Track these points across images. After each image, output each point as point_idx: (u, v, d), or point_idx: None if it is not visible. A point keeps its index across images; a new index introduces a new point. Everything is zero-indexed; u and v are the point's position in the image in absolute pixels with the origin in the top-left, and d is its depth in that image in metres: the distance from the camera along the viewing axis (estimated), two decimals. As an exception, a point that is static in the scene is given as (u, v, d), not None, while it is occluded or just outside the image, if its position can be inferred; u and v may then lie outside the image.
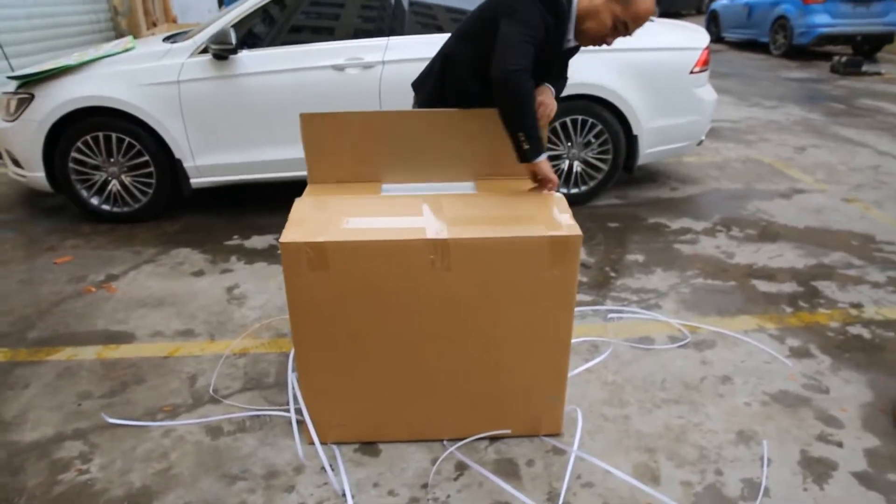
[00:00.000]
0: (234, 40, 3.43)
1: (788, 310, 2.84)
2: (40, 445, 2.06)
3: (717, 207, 4.07)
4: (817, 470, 1.93)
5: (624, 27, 1.97)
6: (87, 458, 2.00)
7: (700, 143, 4.24)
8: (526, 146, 1.92)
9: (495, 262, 1.76)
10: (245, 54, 3.55)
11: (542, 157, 1.96)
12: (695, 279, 3.12)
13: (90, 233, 3.69)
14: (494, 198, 2.01)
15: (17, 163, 3.72)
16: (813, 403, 2.23)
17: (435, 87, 2.23)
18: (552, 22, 1.97)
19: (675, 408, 2.21)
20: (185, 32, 4.04)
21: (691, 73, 3.91)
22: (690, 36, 4.07)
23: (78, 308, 2.89)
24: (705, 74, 4.03)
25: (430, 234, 1.73)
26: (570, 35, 2.06)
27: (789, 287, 3.04)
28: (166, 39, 4.01)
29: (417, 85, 2.35)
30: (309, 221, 1.81)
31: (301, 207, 1.89)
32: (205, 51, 3.52)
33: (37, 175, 3.65)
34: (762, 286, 3.05)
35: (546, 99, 2.15)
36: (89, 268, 3.27)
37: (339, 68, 3.58)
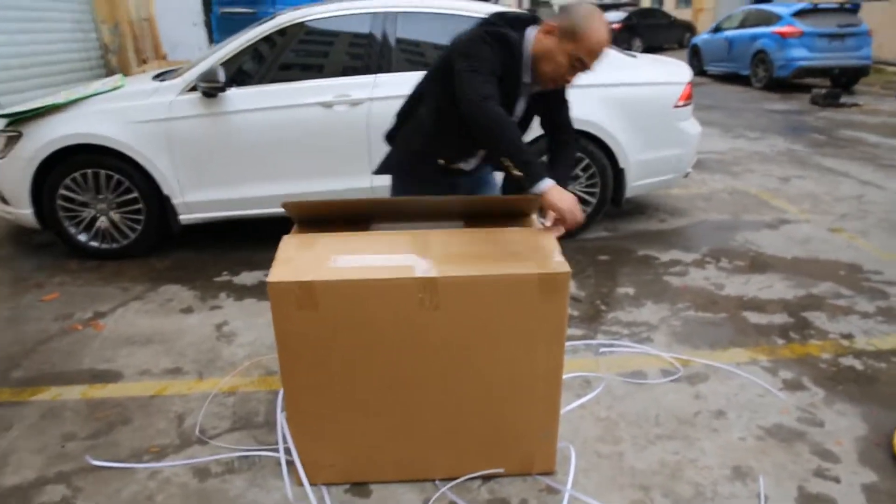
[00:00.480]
0: (222, 78, 3.46)
1: (780, 341, 2.85)
2: (21, 490, 2.00)
3: (705, 239, 4.10)
4: (814, 506, 1.91)
5: (581, 63, 1.91)
6: (69, 502, 1.95)
7: (687, 175, 4.30)
8: (517, 173, 1.80)
9: (484, 299, 1.76)
10: (234, 92, 3.58)
11: (546, 185, 1.78)
12: (685, 311, 3.12)
13: (77, 269, 3.66)
14: (482, 234, 1.98)
15: (4, 200, 3.70)
16: (808, 437, 2.21)
17: (409, 129, 2.19)
18: (507, 57, 1.91)
19: (669, 443, 2.19)
20: (174, 70, 4.07)
21: (675, 106, 3.98)
22: (673, 71, 4.16)
23: (64, 346, 2.85)
24: (689, 108, 4.11)
25: (419, 273, 1.73)
26: (527, 77, 1.99)
27: (780, 318, 3.05)
28: (156, 77, 4.04)
29: (401, 117, 2.26)
30: (296, 260, 1.80)
31: (288, 245, 1.88)
32: (194, 88, 3.55)
33: (24, 212, 3.63)
34: (753, 318, 3.06)
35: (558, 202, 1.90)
36: (76, 305, 3.23)
37: (328, 105, 3.62)
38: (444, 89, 1.98)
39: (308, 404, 1.88)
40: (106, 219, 3.68)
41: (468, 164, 2.21)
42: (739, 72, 11.85)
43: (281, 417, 2.13)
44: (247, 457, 2.12)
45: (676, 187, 5.00)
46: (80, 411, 2.38)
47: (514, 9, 2.36)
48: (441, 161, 2.18)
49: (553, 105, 2.15)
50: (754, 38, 11.28)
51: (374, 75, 3.71)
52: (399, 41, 3.79)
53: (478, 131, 1.83)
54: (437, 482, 1.99)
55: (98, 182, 3.60)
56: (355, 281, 1.72)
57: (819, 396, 2.44)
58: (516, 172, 1.80)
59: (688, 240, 4.09)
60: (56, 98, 3.69)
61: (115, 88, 3.73)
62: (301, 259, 1.80)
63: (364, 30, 3.77)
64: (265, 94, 3.63)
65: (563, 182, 1.94)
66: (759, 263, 3.70)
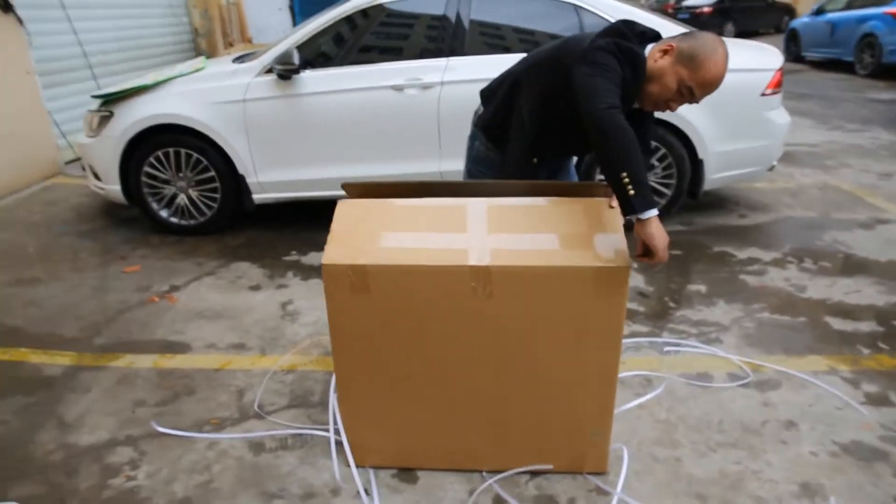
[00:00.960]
0: (297, 60, 3.53)
1: (866, 351, 2.63)
2: (95, 449, 2.14)
3: (788, 237, 3.84)
4: (892, 533, 1.76)
5: (689, 93, 1.80)
6: (135, 464, 2.06)
7: (772, 168, 4.03)
8: (632, 191, 1.63)
9: (538, 290, 1.71)
10: (308, 74, 3.65)
11: (652, 213, 1.66)
12: (760, 313, 2.94)
13: (159, 244, 3.86)
14: (544, 209, 1.82)
15: (97, 176, 3.95)
16: (891, 458, 2.04)
17: (499, 106, 2.12)
18: (630, 73, 1.80)
19: (731, 452, 2.07)
20: (253, 53, 4.20)
21: (763, 94, 3.73)
22: (763, 56, 3.89)
23: (141, 317, 3.02)
24: (778, 97, 3.84)
25: (472, 260, 1.69)
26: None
27: (867, 326, 2.82)
28: (236, 60, 4.18)
29: (485, 97, 2.22)
30: (351, 236, 1.77)
31: (344, 214, 1.83)
32: (270, 71, 3.64)
33: (114, 188, 3.86)
34: (836, 324, 2.84)
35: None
36: (154, 278, 3.41)
37: (398, 88, 3.62)
38: (551, 89, 1.91)
39: (358, 387, 1.90)
40: (185, 196, 3.86)
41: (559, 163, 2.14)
42: (842, 58, 10.99)
43: (333, 399, 2.16)
44: (300, 435, 2.17)
45: (761, 181, 4.72)
46: (151, 379, 2.52)
47: (642, 14, 2.14)
48: (535, 160, 2.09)
49: (642, 122, 2.01)
50: (862, 20, 10.40)
51: (446, 58, 3.68)
52: (473, 23, 3.73)
53: (600, 140, 1.67)
54: (484, 474, 1.97)
55: (179, 160, 3.77)
56: (407, 266, 1.71)
57: (907, 414, 2.24)
58: (631, 190, 1.63)
59: (769, 237, 3.84)
60: (144, 79, 3.88)
61: (197, 70, 3.89)
62: (355, 234, 1.77)
63: (438, 11, 3.74)
64: (338, 76, 3.68)
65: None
66: (847, 266, 3.43)
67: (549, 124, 2.00)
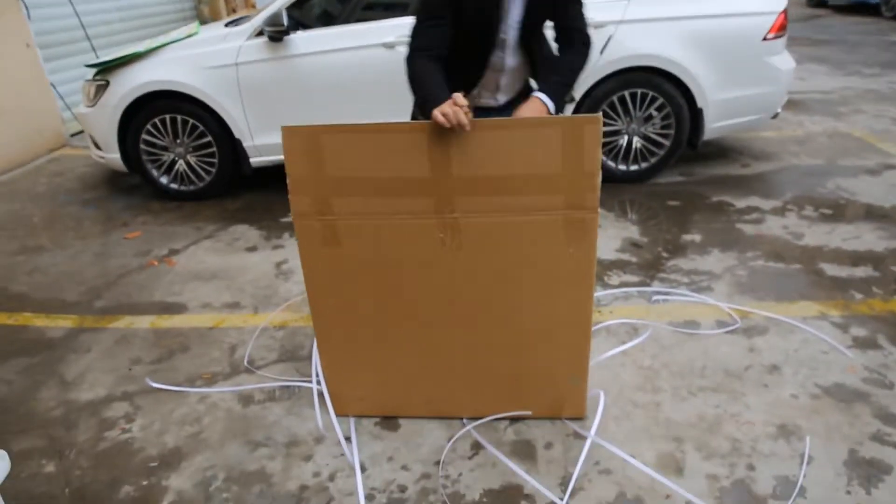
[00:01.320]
0: (286, 22, 3.50)
1: (858, 296, 2.60)
2: (93, 404, 2.22)
3: (791, 185, 3.77)
4: (866, 472, 1.77)
5: None
6: (130, 418, 2.14)
7: (775, 116, 3.92)
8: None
9: (507, 241, 1.71)
10: (298, 35, 3.62)
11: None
12: (754, 261, 2.91)
13: (159, 210, 3.92)
14: (512, 143, 1.64)
15: (97, 145, 4.00)
16: (872, 399, 2.03)
17: None
18: None
19: (711, 396, 2.08)
20: (246, 17, 4.17)
21: (765, 39, 3.61)
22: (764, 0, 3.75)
23: (140, 280, 3.09)
24: (781, 41, 3.72)
25: (440, 211, 1.69)
26: None
27: (863, 271, 2.78)
28: (228, 24, 4.16)
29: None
30: (314, 180, 1.70)
31: (294, 151, 1.69)
32: (261, 33, 3.62)
33: (113, 156, 3.91)
34: (831, 270, 2.81)
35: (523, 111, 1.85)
36: (154, 243, 3.48)
37: (390, 46, 3.58)
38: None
39: (336, 339, 1.94)
40: (183, 162, 3.90)
41: (496, 101, 2.10)
42: (868, 0, 10.56)
43: (315, 351, 2.21)
44: (287, 387, 2.23)
45: (767, 129, 4.60)
46: (148, 339, 2.60)
47: None
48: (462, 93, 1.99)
49: (559, 3, 1.90)
50: (887, -41, 9.96)
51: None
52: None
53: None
54: (464, 420, 2.02)
55: (176, 127, 3.79)
56: (376, 222, 1.72)
57: (894, 357, 2.22)
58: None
59: (770, 186, 3.77)
60: (137, 47, 3.89)
61: (190, 36, 3.89)
62: (318, 175, 1.69)
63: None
64: (328, 36, 3.65)
65: (552, 94, 1.85)
66: (849, 212, 3.36)
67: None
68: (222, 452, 1.96)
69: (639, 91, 3.66)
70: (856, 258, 2.90)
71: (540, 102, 1.83)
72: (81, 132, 5.46)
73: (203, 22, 8.16)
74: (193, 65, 3.68)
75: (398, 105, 3.65)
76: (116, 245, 3.49)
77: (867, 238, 3.07)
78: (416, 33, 1.87)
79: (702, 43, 3.57)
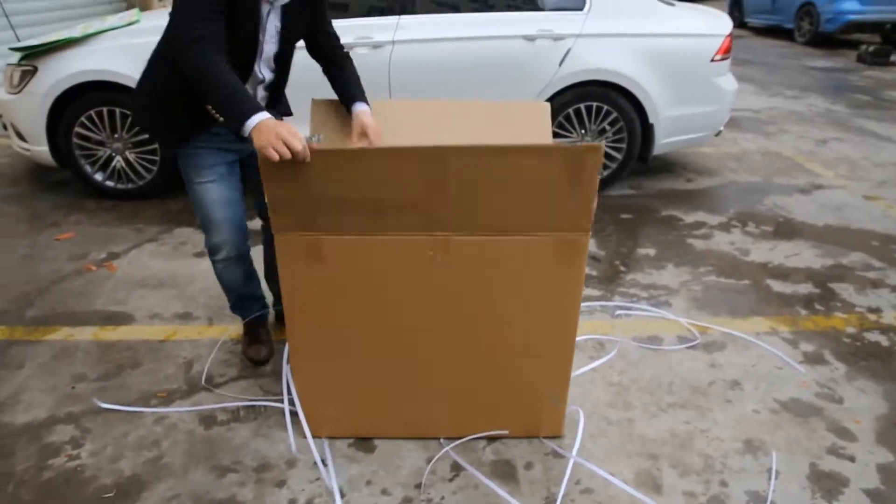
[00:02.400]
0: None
1: (803, 312, 2.75)
2: (32, 428, 2.03)
3: (733, 201, 3.95)
4: (827, 485, 1.86)
5: None
6: (77, 443, 1.97)
7: (718, 133, 4.12)
8: (220, 119, 1.75)
9: (498, 259, 1.69)
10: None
11: (251, 123, 1.57)
12: (707, 276, 3.03)
13: (94, 209, 3.65)
14: (511, 170, 1.59)
15: (21, 136, 3.68)
16: (825, 413, 2.15)
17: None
18: None
19: (681, 413, 2.14)
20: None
21: (712, 60, 3.77)
22: (712, 22, 3.92)
23: (77, 286, 2.86)
24: (727, 63, 3.90)
25: (431, 228, 1.64)
26: None
27: (805, 288, 2.95)
28: (174, 13, 3.92)
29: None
30: (296, 198, 1.62)
31: (274, 174, 1.60)
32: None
33: (40, 149, 3.61)
34: (777, 286, 2.96)
35: (367, 120, 2.02)
36: (91, 245, 3.23)
37: (348, 48, 3.47)
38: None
39: (314, 356, 1.85)
40: (121, 158, 3.65)
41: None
42: (783, 25, 11.28)
43: (286, 368, 2.11)
44: (252, 406, 2.11)
45: (706, 146, 4.81)
46: (91, 352, 2.40)
47: None
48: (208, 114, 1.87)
49: (313, 13, 1.98)
50: (801, -12, 10.68)
51: (397, 17, 3.56)
52: (425, -19, 3.61)
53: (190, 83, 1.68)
54: (441, 440, 1.98)
55: (114, 121, 3.54)
56: (364, 238, 1.66)
57: (840, 371, 2.36)
58: (219, 118, 1.75)
59: (714, 201, 3.94)
60: (72, 32, 3.60)
61: (130, 24, 3.63)
62: (302, 195, 1.61)
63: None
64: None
65: (365, 99, 2.07)
66: (787, 230, 3.56)
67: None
68: (187, 480, 1.83)
69: (594, 104, 3.73)
70: (798, 275, 3.06)
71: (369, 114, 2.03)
72: (-3, 119, 5.02)
73: (131, 7, 7.70)
74: (136, 55, 3.42)
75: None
76: (46, 247, 3.22)
77: (806, 255, 3.26)
78: (193, 23, 1.63)
79: (655, 61, 3.68)
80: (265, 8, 1.82)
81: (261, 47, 1.89)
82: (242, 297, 2.33)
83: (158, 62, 1.91)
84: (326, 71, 2.15)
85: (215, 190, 2.03)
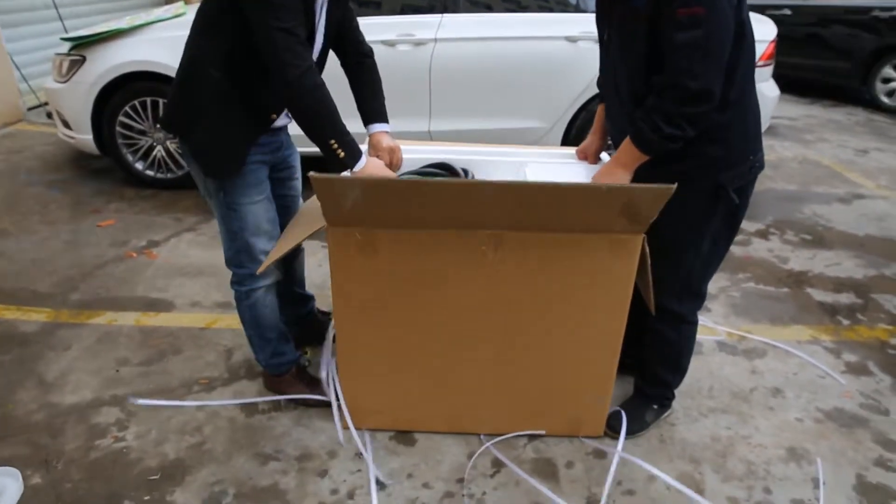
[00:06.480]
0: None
1: (846, 322, 2.70)
2: (79, 409, 2.07)
3: (771, 209, 3.90)
4: (875, 497, 1.82)
5: None
6: (123, 425, 2.00)
7: (757, 140, 4.05)
8: (341, 153, 1.63)
9: (550, 256, 1.68)
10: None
11: (362, 162, 1.66)
12: (746, 283, 2.99)
13: (134, 197, 3.71)
14: (571, 204, 1.61)
15: (66, 124, 3.75)
16: (871, 425, 2.11)
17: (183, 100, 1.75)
18: None
19: (722, 418, 2.12)
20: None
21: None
22: (757, 27, 3.85)
23: (119, 272, 2.91)
24: (770, 68, 3.84)
25: (484, 224, 1.65)
26: None
27: (847, 298, 2.89)
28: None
29: (173, 123, 1.80)
30: (348, 217, 1.64)
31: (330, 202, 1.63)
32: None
33: (85, 137, 3.67)
34: (818, 295, 2.91)
35: (387, 143, 1.91)
36: (131, 232, 3.28)
37: (390, 44, 3.50)
38: (229, 35, 1.62)
39: (359, 350, 1.86)
40: (162, 148, 3.70)
41: (284, 120, 1.90)
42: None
43: (331, 360, 2.12)
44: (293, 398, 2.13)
45: (743, 152, 4.74)
46: (134, 337, 2.44)
47: None
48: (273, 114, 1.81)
49: (345, 4, 1.82)
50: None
51: (440, 15, 3.57)
52: (468, -20, 3.62)
53: (299, 114, 1.60)
54: (482, 437, 1.98)
55: (156, 111, 3.60)
56: (417, 233, 1.66)
57: (885, 383, 2.32)
58: (340, 153, 1.63)
59: (752, 208, 3.79)
60: (119, 23, 3.67)
61: (177, 16, 3.69)
62: (354, 215, 1.63)
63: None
64: (324, 29, 3.53)
65: (385, 117, 1.94)
66: (827, 238, 3.50)
67: (243, 74, 1.68)
68: (230, 466, 1.85)
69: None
70: (839, 284, 3.01)
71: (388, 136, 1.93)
72: (39, 106, 5.14)
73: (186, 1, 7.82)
74: (180, 47, 3.47)
75: (393, 106, 3.27)
76: (88, 233, 3.28)
77: (847, 265, 3.20)
78: (292, 46, 1.51)
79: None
80: (318, 1, 1.70)
81: (315, 43, 1.76)
82: (280, 336, 2.06)
83: (202, 67, 1.67)
84: (348, 69, 1.97)
85: (268, 208, 1.87)
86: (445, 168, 1.94)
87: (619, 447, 1.90)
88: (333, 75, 1.82)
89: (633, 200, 1.54)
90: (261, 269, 1.87)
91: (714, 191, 1.68)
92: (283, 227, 1.98)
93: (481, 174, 1.98)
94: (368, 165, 1.70)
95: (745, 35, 1.58)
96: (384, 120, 1.96)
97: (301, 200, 2.10)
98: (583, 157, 2.04)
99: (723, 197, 1.68)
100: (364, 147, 1.76)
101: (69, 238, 3.22)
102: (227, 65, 1.65)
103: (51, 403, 2.08)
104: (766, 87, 3.86)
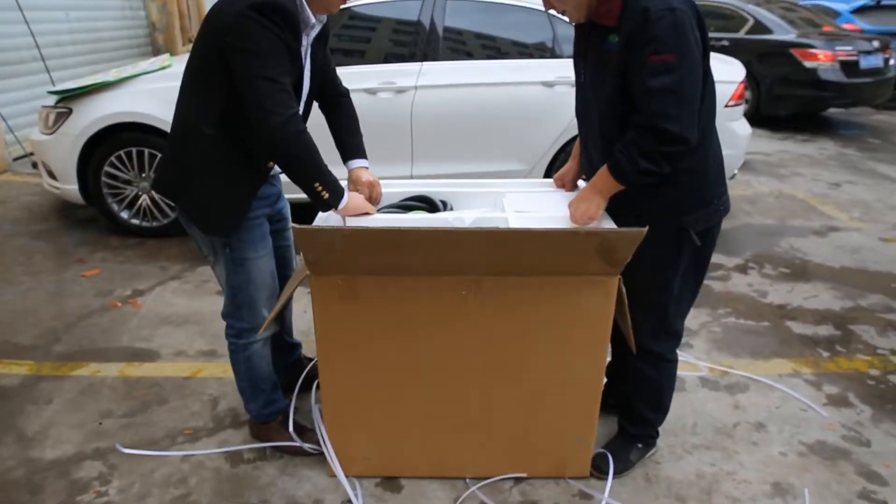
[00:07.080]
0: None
1: (825, 354, 2.75)
2: (60, 464, 2.04)
3: (749, 243, 3.98)
4: (859, 530, 1.84)
5: None
6: (105, 479, 1.98)
7: (732, 177, 4.16)
8: (325, 195, 1.66)
9: (529, 299, 1.72)
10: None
11: (344, 200, 1.71)
12: (727, 318, 3.03)
13: (119, 246, 3.72)
14: (549, 248, 1.65)
15: (51, 174, 3.78)
16: (853, 457, 2.13)
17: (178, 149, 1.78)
18: (289, 36, 1.59)
19: (706, 454, 2.13)
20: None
21: (726, 106, 3.85)
22: (726, 68, 4.02)
23: (103, 323, 2.90)
24: (740, 108, 3.98)
25: (464, 270, 1.68)
26: (309, 18, 1.68)
27: (825, 330, 2.95)
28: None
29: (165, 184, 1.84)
30: (330, 263, 1.68)
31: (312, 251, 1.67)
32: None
33: (70, 188, 3.70)
34: (797, 328, 2.96)
35: (366, 178, 1.93)
36: (116, 282, 3.28)
37: (372, 92, 3.59)
38: (217, 87, 1.64)
39: (344, 396, 1.87)
40: (147, 197, 3.73)
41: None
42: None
43: (315, 407, 2.12)
44: (279, 444, 2.12)
45: (720, 188, 4.85)
46: (118, 389, 2.42)
47: None
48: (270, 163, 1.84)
49: (324, 46, 1.86)
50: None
51: (420, 63, 3.67)
52: (447, 29, 3.73)
53: (284, 162, 1.65)
54: (467, 481, 1.97)
55: (142, 160, 3.64)
56: (399, 279, 1.69)
57: (866, 414, 2.35)
58: (325, 194, 1.67)
59: (731, 244, 3.97)
60: (106, 76, 3.74)
61: (162, 68, 3.77)
62: (335, 261, 1.67)
63: (412, 17, 3.73)
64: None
65: (364, 153, 1.98)
66: (805, 271, 3.57)
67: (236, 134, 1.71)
68: (214, 518, 1.84)
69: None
70: (818, 317, 3.07)
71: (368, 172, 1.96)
72: (24, 157, 5.17)
73: (157, 49, 7.96)
74: (166, 98, 3.54)
75: (376, 151, 3.45)
76: (73, 283, 3.28)
77: (825, 297, 3.27)
78: (278, 94, 1.55)
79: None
80: (304, 44, 1.73)
81: (303, 89, 1.80)
82: (273, 385, 2.08)
83: (194, 125, 1.70)
84: (326, 109, 2.02)
85: (271, 262, 1.89)
86: (425, 200, 1.99)
87: (607, 493, 1.90)
88: (314, 122, 1.87)
89: (608, 243, 1.59)
90: (262, 330, 1.90)
91: (678, 233, 1.73)
92: (280, 277, 2.01)
93: (460, 205, 2.02)
94: (350, 201, 1.74)
95: (707, 82, 1.65)
96: (363, 156, 2.00)
97: (294, 250, 2.13)
98: (560, 183, 2.09)
99: (686, 239, 1.73)
100: (344, 183, 1.80)
101: (53, 288, 3.22)
102: (221, 120, 1.68)
103: (30, 459, 2.06)
104: (738, 126, 3.98)
